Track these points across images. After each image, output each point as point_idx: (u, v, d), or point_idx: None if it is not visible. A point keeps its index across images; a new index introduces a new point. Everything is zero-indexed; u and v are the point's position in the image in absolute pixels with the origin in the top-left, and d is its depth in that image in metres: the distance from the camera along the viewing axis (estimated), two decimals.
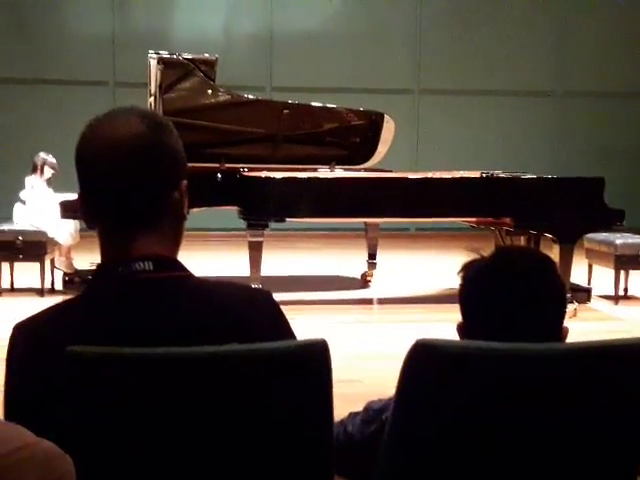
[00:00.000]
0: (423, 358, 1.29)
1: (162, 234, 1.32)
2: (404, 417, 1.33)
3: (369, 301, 6.78)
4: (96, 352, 1.19)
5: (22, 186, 6.79)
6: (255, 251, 6.04)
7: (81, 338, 1.19)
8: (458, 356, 1.30)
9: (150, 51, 6.48)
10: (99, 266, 1.33)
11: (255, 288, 1.45)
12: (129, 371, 1.20)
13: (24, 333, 1.28)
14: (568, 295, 4.88)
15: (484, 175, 6.51)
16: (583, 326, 5.19)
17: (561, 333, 1.51)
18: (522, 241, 6.48)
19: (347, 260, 8.06)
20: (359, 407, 1.68)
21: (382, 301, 6.77)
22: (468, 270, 1.55)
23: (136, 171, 1.28)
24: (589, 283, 6.84)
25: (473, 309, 1.52)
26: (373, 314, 6.48)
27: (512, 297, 1.46)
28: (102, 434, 1.20)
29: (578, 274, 6.49)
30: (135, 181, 1.28)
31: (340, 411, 1.31)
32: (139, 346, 1.21)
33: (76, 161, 1.32)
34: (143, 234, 1.30)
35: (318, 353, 1.26)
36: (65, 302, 1.34)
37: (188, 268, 1.34)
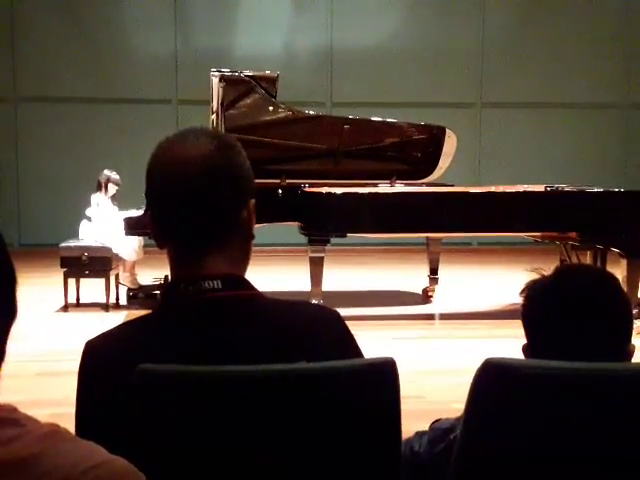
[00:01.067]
0: (492, 377, 1.28)
1: (231, 253, 1.34)
2: (473, 437, 1.32)
3: (430, 316, 6.73)
4: (166, 370, 1.20)
5: (88, 203, 6.93)
6: (316, 266, 6.06)
7: (151, 356, 1.21)
8: (527, 375, 1.29)
9: (212, 69, 6.57)
10: (169, 285, 1.35)
11: (324, 307, 1.44)
12: (199, 389, 1.21)
13: (95, 350, 1.30)
14: (635, 311, 4.75)
15: (548, 189, 6.41)
16: None
17: (628, 351, 1.49)
18: (588, 256, 6.35)
19: (408, 275, 8.02)
20: (422, 423, 1.67)
21: (444, 316, 6.70)
22: (530, 290, 1.55)
23: (205, 191, 1.30)
24: None
25: (536, 329, 1.52)
26: (434, 329, 6.42)
27: (574, 316, 1.46)
28: (172, 451, 1.21)
29: None
30: (204, 201, 1.30)
31: (403, 427, 1.30)
32: (208, 364, 1.22)
33: (147, 182, 1.34)
34: (212, 253, 1.32)
35: (386, 372, 1.25)
36: (135, 320, 1.36)
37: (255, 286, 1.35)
